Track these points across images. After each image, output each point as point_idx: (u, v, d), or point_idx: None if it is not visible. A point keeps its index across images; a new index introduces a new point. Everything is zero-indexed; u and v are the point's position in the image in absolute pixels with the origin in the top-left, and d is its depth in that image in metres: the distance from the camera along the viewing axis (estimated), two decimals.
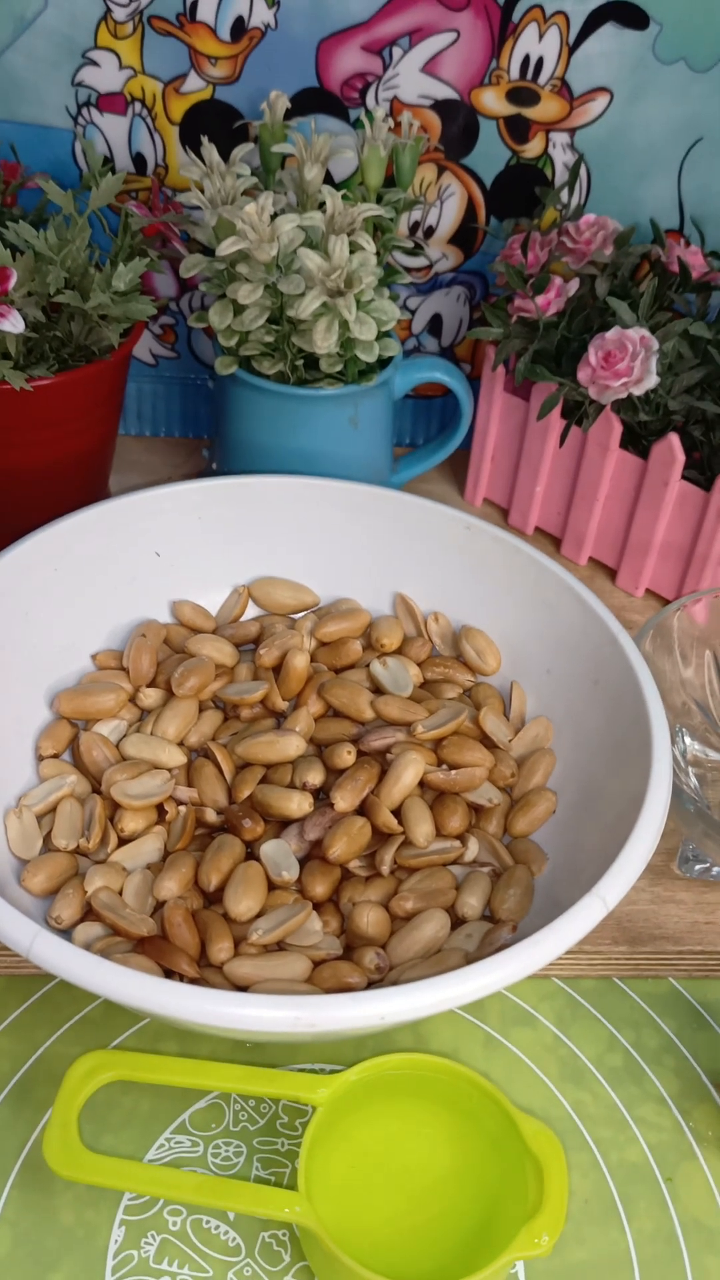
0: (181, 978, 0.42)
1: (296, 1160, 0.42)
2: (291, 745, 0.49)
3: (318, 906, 0.45)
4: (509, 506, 0.72)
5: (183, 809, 0.48)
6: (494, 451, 0.71)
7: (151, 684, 0.53)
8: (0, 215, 0.60)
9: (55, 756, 0.50)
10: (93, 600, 0.54)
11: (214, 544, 0.57)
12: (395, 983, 0.42)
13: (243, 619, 0.58)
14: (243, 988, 0.42)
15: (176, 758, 0.50)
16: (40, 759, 0.50)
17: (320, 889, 0.45)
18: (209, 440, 0.76)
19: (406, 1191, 0.41)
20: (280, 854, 0.46)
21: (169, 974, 0.42)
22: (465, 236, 0.70)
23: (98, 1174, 0.38)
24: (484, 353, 0.74)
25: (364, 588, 0.59)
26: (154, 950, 0.42)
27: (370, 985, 0.42)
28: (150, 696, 0.52)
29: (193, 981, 0.42)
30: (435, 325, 0.74)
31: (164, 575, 0.56)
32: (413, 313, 0.73)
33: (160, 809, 0.48)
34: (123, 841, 0.47)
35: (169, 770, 0.50)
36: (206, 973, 0.43)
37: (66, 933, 0.44)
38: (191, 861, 0.46)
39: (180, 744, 0.51)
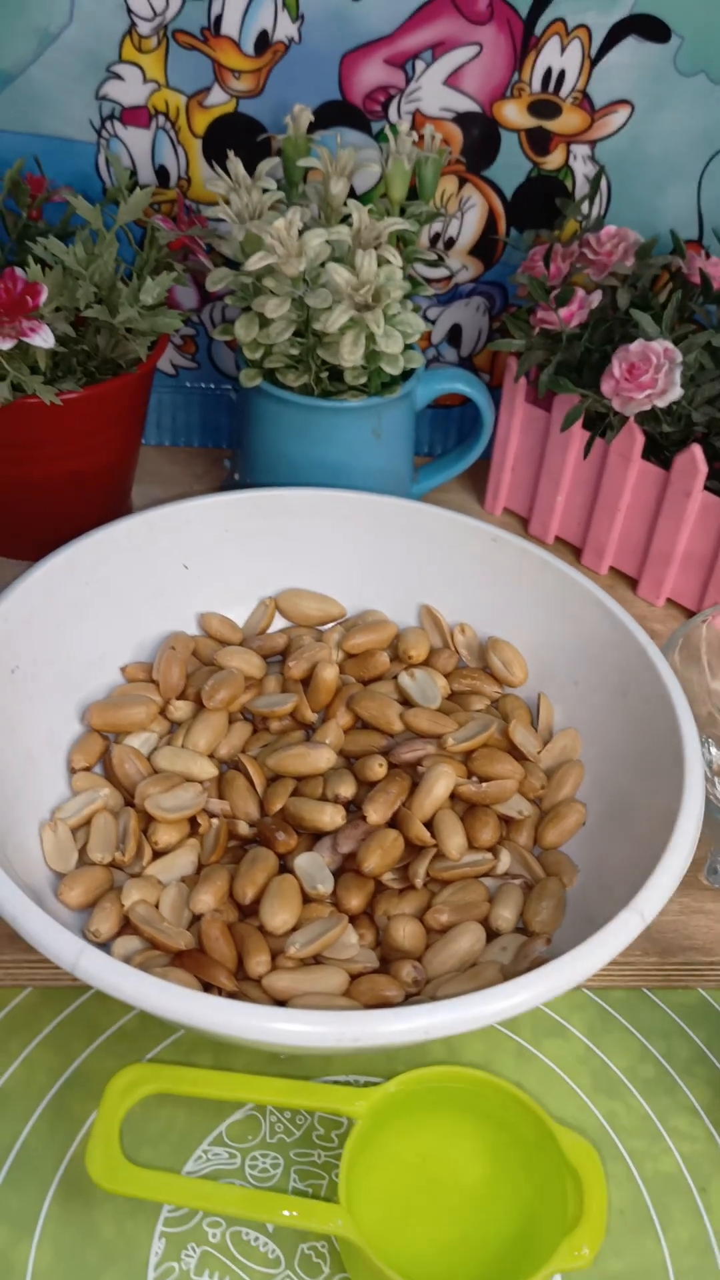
0: (219, 991, 0.42)
1: (333, 1172, 0.42)
2: (323, 758, 0.50)
3: (353, 919, 0.46)
4: (529, 516, 0.72)
5: (215, 822, 0.49)
6: (514, 462, 0.71)
7: (181, 696, 0.53)
8: (27, 230, 0.60)
9: (87, 770, 0.50)
10: (122, 613, 0.54)
11: (241, 556, 0.58)
12: (433, 996, 0.43)
13: (270, 631, 0.58)
14: (281, 1001, 0.42)
15: (208, 770, 0.50)
16: (73, 772, 0.50)
17: (355, 902, 0.45)
18: (230, 451, 0.77)
19: (445, 1203, 0.41)
20: (314, 867, 0.46)
21: (207, 987, 0.42)
22: (485, 248, 0.70)
23: (142, 1187, 0.39)
24: (503, 363, 0.74)
25: (390, 599, 0.59)
26: (192, 964, 0.42)
27: (407, 998, 0.43)
28: (180, 709, 0.53)
29: (231, 995, 0.42)
30: (455, 336, 0.74)
31: (192, 588, 0.57)
32: (433, 323, 0.73)
33: (193, 822, 0.49)
34: (156, 854, 0.47)
35: (201, 783, 0.50)
36: (244, 986, 0.43)
37: (104, 946, 0.44)
38: (226, 875, 0.46)
39: (211, 756, 0.51)
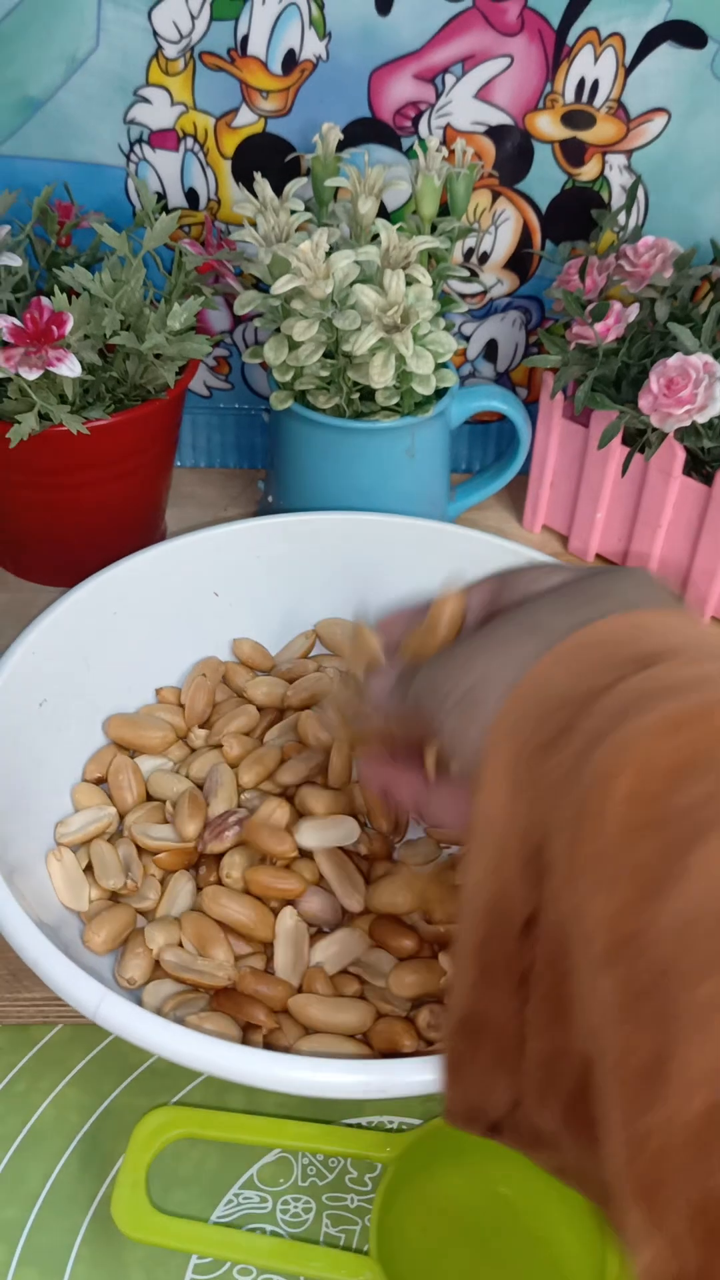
0: (260, 1028, 0.42)
1: (366, 1217, 0.41)
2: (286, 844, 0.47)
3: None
4: (569, 534, 0.71)
5: None
6: (553, 478, 0.70)
7: (205, 724, 0.53)
8: (56, 258, 0.60)
9: (100, 781, 0.50)
10: (151, 642, 0.54)
11: (272, 582, 0.57)
12: None
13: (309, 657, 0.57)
14: (310, 1028, 0.41)
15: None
16: (85, 782, 0.50)
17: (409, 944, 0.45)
18: (264, 472, 0.76)
19: (482, 1252, 0.40)
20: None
21: (248, 1026, 0.42)
22: (520, 261, 0.69)
23: (167, 1236, 0.38)
24: (540, 377, 0.73)
25: None
26: (230, 1005, 0.42)
27: (429, 1042, 0.42)
28: (200, 737, 0.52)
29: (270, 1033, 0.41)
30: (490, 351, 0.73)
31: (223, 615, 0.56)
32: (467, 339, 0.72)
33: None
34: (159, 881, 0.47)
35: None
36: (283, 1019, 0.42)
37: (138, 992, 0.43)
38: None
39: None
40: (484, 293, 0.70)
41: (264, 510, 0.68)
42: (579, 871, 0.24)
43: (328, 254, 0.54)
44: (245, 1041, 0.41)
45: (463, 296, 0.70)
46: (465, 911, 0.28)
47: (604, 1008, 0.23)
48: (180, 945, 0.44)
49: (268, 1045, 0.41)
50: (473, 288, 0.70)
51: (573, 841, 0.25)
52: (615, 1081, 0.22)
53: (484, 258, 0.69)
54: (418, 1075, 0.34)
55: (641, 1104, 0.21)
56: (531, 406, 0.74)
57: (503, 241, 0.68)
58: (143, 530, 0.65)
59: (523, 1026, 0.27)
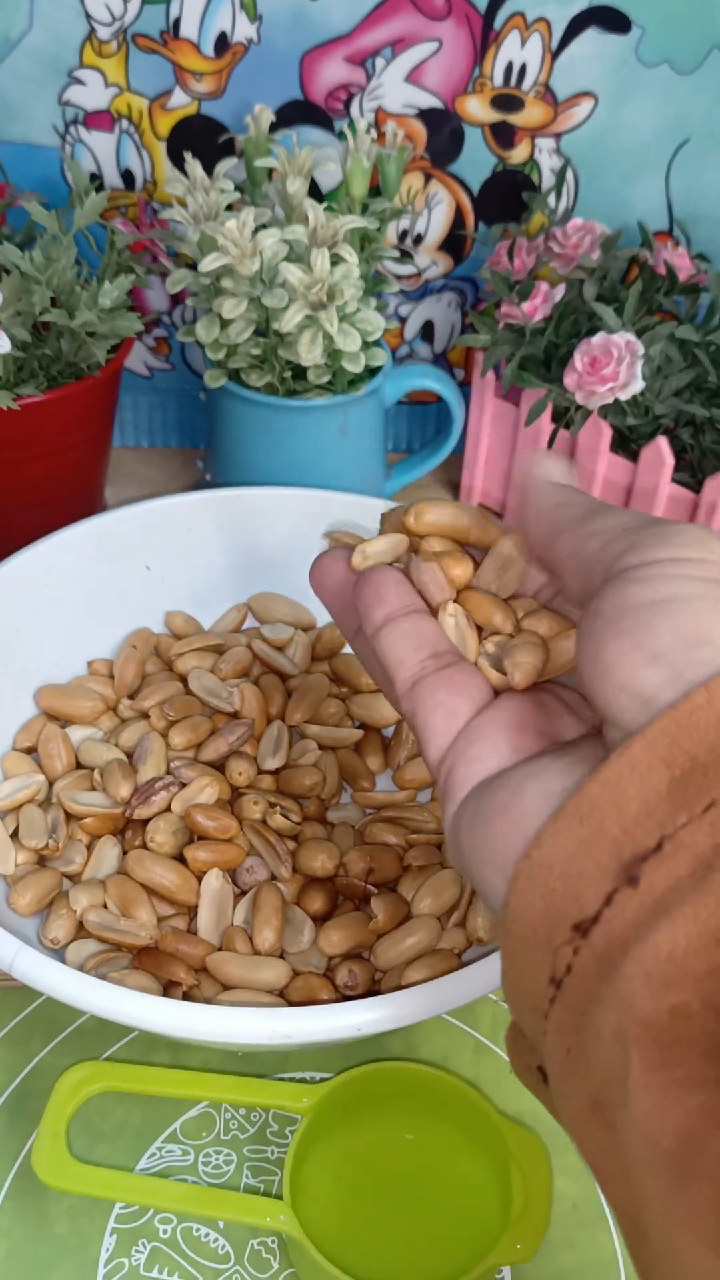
0: (181, 986, 0.43)
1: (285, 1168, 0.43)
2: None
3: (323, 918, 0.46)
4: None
5: None
6: (487, 456, 0.71)
7: (135, 695, 0.54)
8: None
9: (30, 751, 0.51)
10: (84, 613, 0.55)
11: (206, 557, 0.58)
12: (392, 986, 0.43)
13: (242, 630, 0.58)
14: (228, 985, 0.43)
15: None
16: (15, 751, 0.51)
17: (317, 905, 0.46)
18: (204, 451, 0.77)
19: (393, 1198, 0.41)
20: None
21: (169, 984, 0.43)
22: (455, 243, 0.70)
23: (86, 1184, 0.39)
24: (476, 358, 0.74)
25: None
26: (151, 963, 0.43)
27: (346, 999, 0.43)
28: (129, 709, 0.53)
29: (189, 989, 0.43)
30: (427, 331, 0.74)
31: (156, 589, 0.57)
32: (403, 320, 0.73)
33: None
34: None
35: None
36: (202, 976, 0.43)
37: (61, 952, 0.44)
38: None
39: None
40: (419, 274, 0.71)
41: (202, 488, 0.69)
42: None
43: (255, 232, 0.55)
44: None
45: (398, 278, 0.71)
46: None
47: None
48: (104, 906, 0.45)
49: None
50: (407, 269, 0.71)
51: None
52: None
53: (418, 239, 0.70)
54: (324, 1021, 0.36)
55: None
56: (468, 387, 0.75)
57: (436, 223, 0.69)
58: (80, 507, 0.65)
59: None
